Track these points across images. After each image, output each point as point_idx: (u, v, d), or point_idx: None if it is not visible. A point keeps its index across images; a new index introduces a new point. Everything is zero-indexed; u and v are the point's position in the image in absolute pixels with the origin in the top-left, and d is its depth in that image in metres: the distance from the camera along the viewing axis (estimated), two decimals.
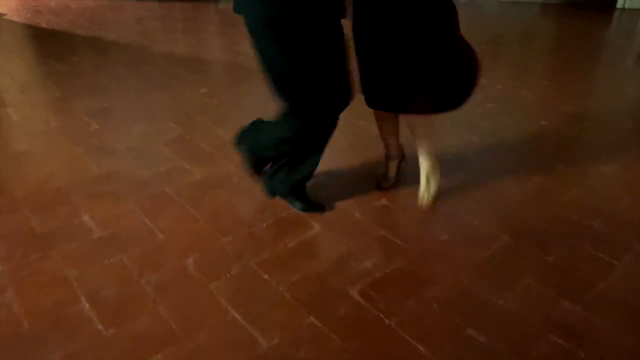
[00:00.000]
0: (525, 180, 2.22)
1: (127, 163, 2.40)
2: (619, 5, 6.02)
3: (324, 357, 1.34)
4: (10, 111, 3.08)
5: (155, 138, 2.67)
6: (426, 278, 1.64)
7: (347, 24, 1.73)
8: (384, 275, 1.64)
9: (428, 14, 1.70)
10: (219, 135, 2.70)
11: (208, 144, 2.59)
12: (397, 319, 1.46)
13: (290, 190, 1.97)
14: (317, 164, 1.91)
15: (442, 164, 2.08)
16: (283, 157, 1.91)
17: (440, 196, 2.04)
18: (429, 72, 1.77)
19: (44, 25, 5.41)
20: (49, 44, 4.71)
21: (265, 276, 1.64)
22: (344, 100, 1.75)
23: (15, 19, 5.78)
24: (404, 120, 2.02)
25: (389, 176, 2.16)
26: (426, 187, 1.99)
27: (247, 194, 2.12)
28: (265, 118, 1.96)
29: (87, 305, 1.52)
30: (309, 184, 2.00)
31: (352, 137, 2.65)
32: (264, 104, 3.10)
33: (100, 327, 1.44)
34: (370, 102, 1.92)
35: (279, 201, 2.03)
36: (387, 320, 1.45)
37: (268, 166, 2.02)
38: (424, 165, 1.98)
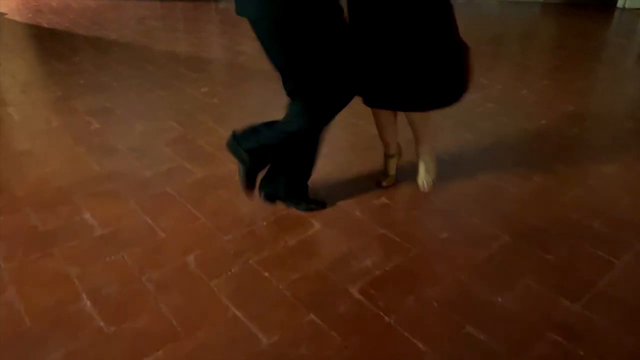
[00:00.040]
0: (525, 180, 2.23)
1: (128, 162, 2.41)
2: (619, 4, 6.02)
3: (324, 354, 1.35)
4: (12, 111, 3.09)
5: (157, 137, 2.68)
6: (426, 276, 1.64)
7: None
8: (383, 273, 1.65)
9: (424, 10, 1.71)
10: (220, 135, 2.71)
11: (209, 143, 2.60)
12: (396, 317, 1.46)
13: (293, 192, 1.97)
14: (315, 162, 1.92)
15: (442, 164, 2.09)
16: (285, 156, 1.90)
17: (440, 194, 2.05)
18: (426, 68, 1.78)
19: (45, 25, 5.42)
20: (50, 43, 4.72)
21: (266, 274, 1.65)
22: (352, 93, 1.78)
23: (17, 18, 5.79)
24: (402, 119, 2.04)
25: (388, 175, 2.16)
26: (425, 176, 2.11)
27: None
28: (266, 118, 1.95)
29: (88, 303, 1.53)
30: (308, 183, 2.01)
31: (352, 137, 2.65)
32: (264, 103, 3.13)
33: (101, 324, 1.45)
34: (368, 101, 1.92)
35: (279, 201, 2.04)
36: (386, 318, 1.46)
37: (264, 173, 1.98)
38: (424, 157, 2.10)
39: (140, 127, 2.82)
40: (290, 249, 1.77)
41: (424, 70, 1.79)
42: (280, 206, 2.01)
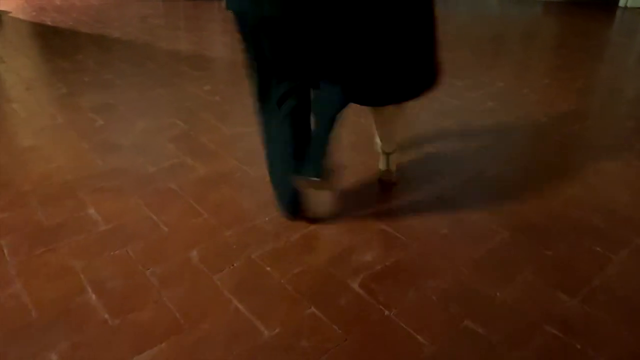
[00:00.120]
0: (525, 177, 2.24)
1: (131, 158, 2.44)
2: (621, 4, 6.02)
3: (324, 346, 1.37)
4: (17, 107, 3.12)
5: (159, 134, 2.71)
6: (426, 271, 1.66)
7: None
8: (384, 268, 1.67)
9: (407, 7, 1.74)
10: (222, 132, 2.74)
11: (211, 140, 2.62)
12: (396, 310, 1.49)
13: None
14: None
15: (442, 162, 2.10)
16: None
17: (440, 191, 2.07)
18: (407, 63, 1.82)
19: (49, 23, 5.45)
20: (54, 41, 4.75)
21: (268, 268, 1.67)
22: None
23: (21, 16, 5.82)
24: (400, 119, 2.07)
25: (390, 171, 2.18)
26: (389, 166, 2.16)
27: (250, 189, 2.15)
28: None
29: (93, 296, 1.56)
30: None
31: (353, 135, 2.67)
32: None
33: (106, 316, 1.48)
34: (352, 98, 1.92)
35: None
36: (386, 311, 1.48)
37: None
38: (390, 147, 2.14)
39: (143, 124, 2.84)
40: (292, 244, 1.80)
41: (406, 64, 1.82)
42: None
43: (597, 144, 2.61)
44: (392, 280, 1.62)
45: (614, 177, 2.26)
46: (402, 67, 1.83)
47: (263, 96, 1.89)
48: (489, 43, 4.63)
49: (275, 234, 1.85)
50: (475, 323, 1.44)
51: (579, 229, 1.87)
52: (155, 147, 2.56)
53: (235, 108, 3.12)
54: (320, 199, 1.94)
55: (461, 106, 3.08)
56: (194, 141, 2.63)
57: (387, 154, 2.17)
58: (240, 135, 2.69)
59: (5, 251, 1.77)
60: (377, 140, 2.17)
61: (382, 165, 2.19)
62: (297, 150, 1.81)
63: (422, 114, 2.92)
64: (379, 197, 2.10)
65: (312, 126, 1.88)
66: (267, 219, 1.94)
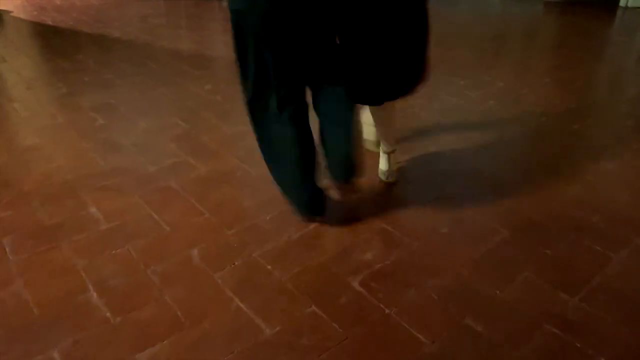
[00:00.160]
0: (525, 177, 2.25)
1: (132, 158, 2.44)
2: (621, 3, 6.01)
3: (325, 344, 1.37)
4: (18, 107, 3.13)
5: (160, 133, 2.71)
6: (426, 270, 1.67)
7: None
8: (384, 266, 1.67)
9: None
10: (223, 132, 2.74)
11: (212, 140, 2.63)
12: (396, 309, 1.49)
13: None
14: None
15: (442, 161, 2.10)
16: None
17: (441, 190, 2.07)
18: (405, 59, 1.82)
19: (50, 23, 5.45)
20: (54, 41, 4.75)
21: (269, 267, 1.68)
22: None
23: (22, 16, 5.83)
24: (401, 117, 2.07)
25: (390, 170, 2.19)
26: (388, 165, 2.17)
27: (250, 188, 2.16)
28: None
29: (95, 294, 1.56)
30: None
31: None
32: None
33: (107, 315, 1.48)
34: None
35: (281, 195, 2.05)
36: (386, 310, 1.49)
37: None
38: (390, 147, 2.16)
39: (144, 124, 2.85)
40: (292, 243, 1.80)
41: (403, 62, 1.82)
42: (283, 201, 2.03)
43: (597, 143, 2.61)
44: (392, 279, 1.62)
45: (613, 175, 2.26)
46: (400, 64, 1.83)
47: (258, 99, 1.88)
48: (489, 42, 4.63)
49: (276, 233, 1.85)
50: (476, 322, 1.44)
51: (579, 229, 1.87)
52: (156, 146, 2.57)
53: (236, 107, 3.12)
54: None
55: (461, 105, 3.08)
56: (194, 140, 2.63)
57: (387, 154, 2.18)
58: (241, 134, 2.69)
59: (7, 250, 1.78)
60: (372, 138, 2.17)
61: (382, 165, 2.20)
62: (304, 153, 1.81)
63: (422, 113, 2.93)
64: (379, 196, 2.11)
65: (316, 128, 1.88)
66: (267, 217, 1.95)
